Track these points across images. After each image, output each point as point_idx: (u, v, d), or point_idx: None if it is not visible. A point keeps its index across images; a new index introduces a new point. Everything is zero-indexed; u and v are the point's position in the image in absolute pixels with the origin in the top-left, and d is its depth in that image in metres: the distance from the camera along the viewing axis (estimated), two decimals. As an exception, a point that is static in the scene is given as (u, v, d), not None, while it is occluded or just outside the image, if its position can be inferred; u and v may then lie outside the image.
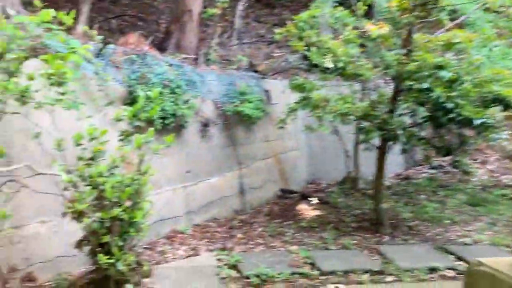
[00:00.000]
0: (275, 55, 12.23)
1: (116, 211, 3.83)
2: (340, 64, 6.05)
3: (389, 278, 4.94)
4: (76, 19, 6.21)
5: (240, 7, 11.79)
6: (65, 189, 3.81)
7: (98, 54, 5.82)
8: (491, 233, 6.44)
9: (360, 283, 4.79)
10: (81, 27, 7.37)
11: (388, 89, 8.56)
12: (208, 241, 6.03)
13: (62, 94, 3.48)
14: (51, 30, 4.18)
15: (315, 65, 11.46)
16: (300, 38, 6.07)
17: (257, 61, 10.96)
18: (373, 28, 5.86)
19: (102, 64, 5.75)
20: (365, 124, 6.14)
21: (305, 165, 10.54)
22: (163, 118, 6.13)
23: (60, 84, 3.60)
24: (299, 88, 6.11)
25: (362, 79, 6.34)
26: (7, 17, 4.55)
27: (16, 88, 3.17)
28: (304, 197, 8.85)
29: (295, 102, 6.95)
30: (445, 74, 5.50)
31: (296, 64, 11.40)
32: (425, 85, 5.50)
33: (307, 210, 7.86)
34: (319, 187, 10.19)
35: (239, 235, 6.34)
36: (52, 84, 3.58)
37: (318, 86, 6.53)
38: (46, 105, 3.70)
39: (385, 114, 5.78)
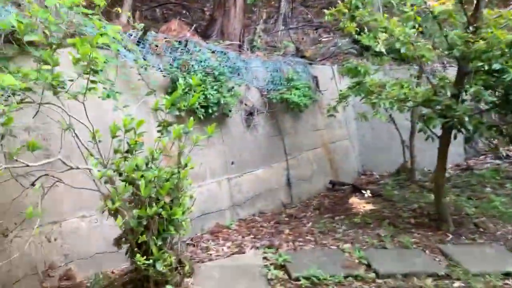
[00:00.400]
0: (323, 40, 11.67)
1: (154, 208, 3.54)
2: (397, 46, 5.46)
3: (457, 284, 4.39)
4: (119, 8, 6.03)
5: (286, -10, 11.25)
6: (102, 184, 3.57)
7: (139, 41, 5.56)
8: None
9: (423, 288, 4.28)
10: (125, 15, 7.19)
11: (448, 73, 7.88)
12: (253, 237, 5.68)
13: (94, 82, 3.19)
14: (87, 16, 3.94)
15: (366, 49, 10.95)
16: (352, 18, 5.51)
17: (304, 46, 10.45)
18: (435, 4, 5.24)
19: (142, 52, 5.50)
20: (426, 111, 5.54)
21: (356, 155, 9.98)
22: (206, 107, 5.82)
23: (94, 72, 3.33)
24: (352, 72, 5.58)
25: (420, 62, 5.72)
26: None
27: (46, 77, 2.91)
28: (356, 189, 8.33)
29: (347, 88, 6.43)
30: (521, 53, 4.83)
31: (346, 49, 10.86)
32: (496, 66, 4.85)
33: (360, 204, 7.35)
34: (371, 178, 9.61)
35: (287, 231, 5.95)
36: (86, 73, 3.31)
37: (373, 70, 5.97)
38: (79, 95, 3.44)
39: (449, 99, 5.17)
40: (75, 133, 3.57)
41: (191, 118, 3.92)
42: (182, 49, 5.95)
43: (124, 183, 3.45)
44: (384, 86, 5.71)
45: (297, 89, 7.53)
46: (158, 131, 3.89)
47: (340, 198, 7.84)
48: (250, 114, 6.95)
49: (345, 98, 6.30)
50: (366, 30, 10.94)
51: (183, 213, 3.81)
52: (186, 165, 3.83)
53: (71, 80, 3.48)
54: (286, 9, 11.61)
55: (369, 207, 7.16)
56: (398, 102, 5.37)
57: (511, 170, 9.09)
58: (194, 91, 4.08)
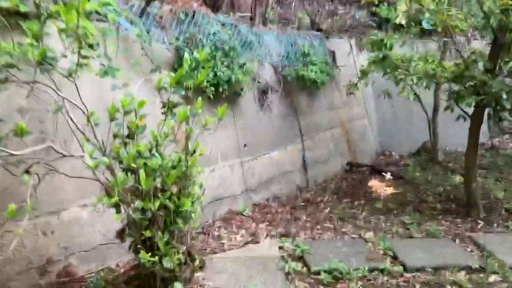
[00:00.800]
0: (339, 12, 11.04)
1: (160, 199, 3.15)
2: (426, 15, 4.93)
3: (492, 278, 3.99)
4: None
5: (300, -40, 10.57)
6: (101, 172, 3.19)
7: (142, 13, 5.10)
8: None
9: (456, 284, 3.87)
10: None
11: (472, 46, 7.30)
12: (268, 224, 5.30)
13: (85, 57, 2.77)
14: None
15: (385, 22, 10.33)
16: None
17: (320, 19, 9.87)
18: (471, -33, 4.69)
19: (145, 24, 5.05)
20: (456, 87, 5.03)
21: (375, 135, 9.51)
22: (216, 85, 5.38)
23: (88, 46, 2.90)
24: (377, 45, 5.07)
25: (451, 33, 5.19)
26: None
27: (26, 52, 2.49)
28: (375, 171, 7.90)
29: (369, 63, 5.93)
30: None
31: (364, 21, 10.26)
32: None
33: (380, 187, 6.92)
34: (390, 159, 9.16)
35: (304, 218, 5.56)
36: (78, 47, 2.89)
37: (400, 43, 5.44)
38: (73, 73, 3.03)
39: (483, 74, 4.66)
40: (69, 116, 3.18)
41: (200, 98, 3.49)
42: (189, 22, 5.48)
43: (124, 172, 3.06)
44: (410, 60, 5.20)
45: (313, 64, 7.04)
46: (163, 113, 3.47)
47: (359, 181, 7.41)
48: (264, 92, 6.50)
49: (366, 74, 5.80)
50: (385, 2, 10.35)
51: (193, 203, 3.42)
52: (194, 151, 3.43)
53: (65, 56, 3.06)
54: (300, -20, 10.97)
55: (390, 190, 6.73)
56: (426, 78, 4.87)
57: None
58: (202, 68, 3.63)
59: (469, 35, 9.75)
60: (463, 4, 5.25)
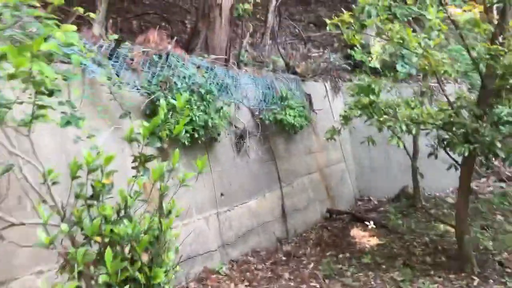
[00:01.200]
0: (313, 55, 10.98)
1: (129, 270, 2.65)
2: (414, 59, 4.73)
3: None
4: (92, 19, 5.20)
5: (273, 3, 10.53)
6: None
7: (111, 54, 4.71)
8: None
9: None
10: (97, 26, 6.36)
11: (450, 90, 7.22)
12: (248, 285, 4.81)
13: (42, 107, 2.32)
14: (41, 19, 3.06)
15: (359, 65, 10.30)
16: (362, 26, 4.71)
17: (294, 62, 9.73)
18: (458, 12, 4.55)
19: (115, 67, 4.65)
20: (445, 134, 4.80)
21: (353, 180, 9.23)
22: (191, 130, 4.98)
23: (47, 93, 2.46)
24: (365, 91, 4.81)
25: (438, 78, 5.02)
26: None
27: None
28: (356, 219, 7.55)
29: (350, 108, 5.67)
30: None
31: (339, 65, 10.18)
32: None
33: (364, 237, 6.55)
34: (369, 205, 8.86)
35: (287, 275, 5.10)
36: (40, 93, 2.45)
37: (388, 87, 5.20)
38: (28, 125, 2.56)
39: (474, 121, 4.45)
40: (22, 173, 2.68)
41: (177, 150, 3.06)
42: (162, 64, 5.12)
43: (86, 241, 2.56)
44: (395, 106, 4.97)
45: (291, 108, 6.76)
46: (133, 168, 3.02)
47: (340, 230, 7.03)
48: (241, 137, 6.13)
49: (348, 120, 5.53)
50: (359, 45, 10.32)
51: (167, 273, 2.93)
52: (170, 212, 2.97)
53: (21, 103, 2.61)
54: (274, 23, 10.89)
55: (375, 241, 6.36)
56: (415, 125, 4.61)
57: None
58: (180, 115, 3.24)
59: (443, 79, 9.79)
60: (449, 49, 5.09)
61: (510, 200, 8.14)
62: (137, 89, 4.74)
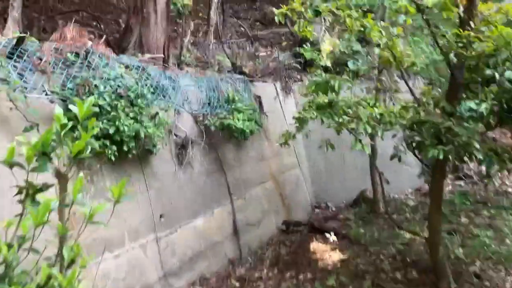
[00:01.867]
0: (260, 54, 10.32)
1: None
2: (376, 51, 4.12)
3: None
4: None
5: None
6: None
7: (11, 53, 3.79)
8: None
9: None
10: (11, 25, 5.40)
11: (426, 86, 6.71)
12: (196, 325, 4.01)
13: None
14: None
15: (309, 64, 9.75)
16: (316, 13, 4.03)
17: (241, 62, 9.03)
18: (422, -5, 3.98)
19: (17, 69, 3.73)
20: (414, 135, 4.20)
21: (309, 185, 8.62)
22: (118, 142, 4.14)
23: None
24: (322, 89, 4.11)
25: (402, 71, 4.44)
26: None
27: None
28: (315, 230, 6.92)
29: (305, 109, 5.01)
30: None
31: (288, 64, 9.58)
32: (509, 75, 3.64)
33: (325, 251, 5.92)
34: (327, 212, 8.26)
35: (242, 308, 4.34)
36: None
37: (349, 85, 4.54)
38: None
39: (447, 120, 3.89)
40: None
41: (80, 174, 2.23)
42: (80, 64, 4.24)
43: None
44: (356, 106, 4.34)
45: (240, 112, 6.03)
46: (20, 202, 2.16)
47: (299, 244, 6.36)
48: (183, 147, 5.33)
49: (304, 123, 4.86)
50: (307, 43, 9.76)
51: None
52: (72, 262, 2.14)
53: None
54: (217, 21, 10.15)
55: (337, 255, 5.74)
56: (380, 126, 4.00)
57: (479, 193, 8.13)
58: (85, 127, 2.40)
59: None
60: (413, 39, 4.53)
61: (471, 199, 7.80)
62: (46, 95, 3.83)
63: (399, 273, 4.89)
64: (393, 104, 6.54)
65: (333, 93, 3.81)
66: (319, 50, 9.51)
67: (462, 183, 9.03)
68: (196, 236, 5.28)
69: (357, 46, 9.15)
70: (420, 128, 4.05)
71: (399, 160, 5.28)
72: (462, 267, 4.94)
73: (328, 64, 9.32)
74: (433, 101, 4.43)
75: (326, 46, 9.90)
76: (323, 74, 3.81)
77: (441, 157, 3.76)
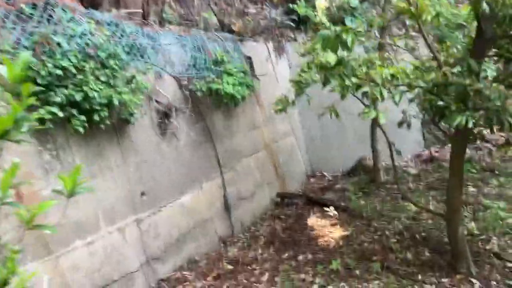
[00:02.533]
0: (250, 11, 9.52)
1: None
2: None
3: None
4: None
5: (201, -50, 8.87)
6: None
7: None
8: None
9: None
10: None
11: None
12: (184, 319, 3.50)
13: None
14: None
15: (303, 22, 9.02)
16: None
17: (230, 19, 8.26)
18: None
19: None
20: (436, 100, 3.60)
21: (303, 154, 8.08)
22: (88, 111, 3.49)
23: None
24: (331, 44, 3.41)
25: (418, 24, 3.78)
26: None
27: None
28: (312, 202, 6.42)
29: (303, 71, 4.37)
30: None
31: (281, 21, 8.83)
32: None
33: (325, 227, 5.43)
34: (323, 182, 7.77)
35: (236, 297, 3.84)
36: None
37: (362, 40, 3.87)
38: None
39: (475, 81, 3.29)
40: None
41: (15, 159, 1.60)
42: (40, 17, 3.52)
43: None
44: (369, 65, 3.71)
45: (230, 75, 5.37)
46: None
47: (296, 219, 5.86)
48: (166, 115, 4.68)
49: (305, 86, 4.22)
50: (302, -2, 8.97)
51: None
52: (5, 284, 1.56)
53: None
54: (202, -26, 9.26)
55: (339, 232, 5.25)
56: (398, 89, 3.39)
57: (484, 160, 7.65)
58: (15, 94, 1.76)
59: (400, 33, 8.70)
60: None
61: (476, 166, 7.32)
62: (-6, 55, 3.14)
63: (410, 253, 4.40)
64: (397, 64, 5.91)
65: (346, 49, 3.17)
66: (314, 7, 8.81)
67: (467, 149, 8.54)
68: (183, 214, 4.72)
69: (354, 2, 8.42)
70: (444, 91, 3.45)
71: (409, 126, 4.73)
72: (478, 245, 4.47)
73: (324, 21, 8.63)
74: (454, 60, 3.82)
75: (321, 1, 9.19)
76: (332, 27, 3.18)
77: (470, 125, 3.18)
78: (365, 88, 3.25)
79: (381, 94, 3.25)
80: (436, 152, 8.66)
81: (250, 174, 6.13)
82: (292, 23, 8.68)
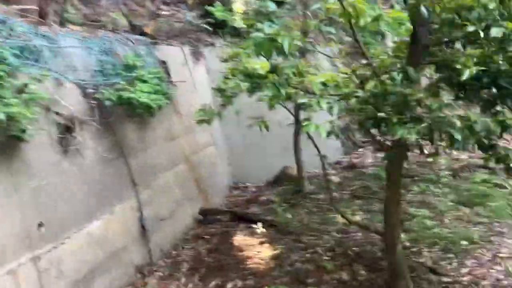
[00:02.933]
0: (163, 13, 8.91)
1: None
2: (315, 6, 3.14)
3: None
4: None
5: None
6: None
7: None
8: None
9: None
10: None
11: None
12: None
13: None
14: None
15: (220, 26, 8.61)
16: None
17: (141, 21, 7.61)
18: None
19: None
20: (378, 112, 3.33)
21: (225, 165, 7.64)
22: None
23: None
24: (265, 48, 2.93)
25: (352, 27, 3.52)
26: None
27: None
28: (237, 217, 6.02)
29: (227, 78, 3.94)
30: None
31: (197, 25, 8.35)
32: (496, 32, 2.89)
33: (253, 247, 5.04)
34: (247, 193, 7.40)
35: None
36: None
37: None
38: None
39: (418, 91, 3.08)
40: None
41: None
42: None
43: None
44: (302, 74, 3.37)
45: (143, 82, 4.77)
46: None
47: (221, 239, 5.40)
48: (68, 130, 3.99)
49: (231, 96, 3.80)
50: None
51: None
52: None
53: None
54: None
55: (268, 252, 4.89)
56: (337, 102, 3.08)
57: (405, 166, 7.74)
58: None
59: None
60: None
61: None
62: None
63: (345, 273, 4.14)
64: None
65: (282, 55, 2.78)
66: (231, 10, 8.45)
67: (381, 154, 8.65)
68: (92, 244, 4.05)
69: (272, 5, 8.19)
70: (383, 101, 3.20)
71: (337, 137, 4.49)
72: (411, 258, 4.34)
73: (243, 25, 8.28)
74: (389, 68, 3.61)
75: (238, 5, 8.85)
76: (266, 29, 2.78)
77: (413, 137, 2.95)
78: (302, 99, 2.89)
79: (319, 104, 2.91)
80: (355, 158, 8.69)
81: (169, 190, 5.57)
82: (209, 27, 8.22)
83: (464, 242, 4.70)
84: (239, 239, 5.28)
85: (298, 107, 6.38)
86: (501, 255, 4.40)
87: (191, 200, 6.04)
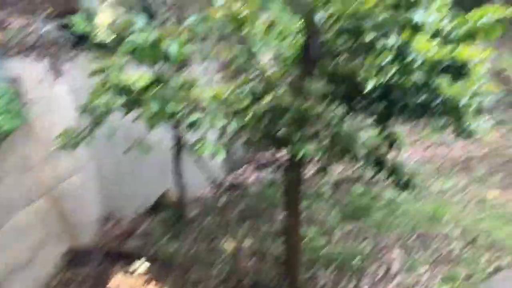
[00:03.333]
0: (13, 24, 7.74)
1: None
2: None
3: None
4: None
5: None
6: None
7: None
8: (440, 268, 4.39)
9: None
10: None
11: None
12: None
13: None
14: None
15: (82, 39, 7.73)
16: None
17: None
18: None
19: None
20: (278, 129, 3.00)
21: (96, 194, 6.74)
22: None
23: None
24: (148, 54, 2.35)
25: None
26: None
27: None
28: (112, 254, 5.27)
29: (96, 93, 3.32)
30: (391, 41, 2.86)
31: (56, 38, 7.38)
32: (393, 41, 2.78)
33: (136, 288, 4.36)
34: (123, 225, 6.60)
35: None
36: None
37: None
38: None
39: (318, 104, 2.83)
40: None
41: None
42: None
43: None
44: (191, 87, 2.92)
45: (-13, 101, 3.87)
46: None
47: (94, 283, 4.63)
48: None
49: (104, 114, 3.18)
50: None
51: None
52: None
53: None
54: None
55: (154, 292, 4.26)
56: (237, 118, 2.69)
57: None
58: None
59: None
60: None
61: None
62: None
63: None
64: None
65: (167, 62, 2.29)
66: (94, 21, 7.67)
67: (262, 173, 8.52)
68: None
69: (140, 22, 7.62)
70: (280, 116, 2.89)
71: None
72: (313, 281, 4.11)
73: (107, 40, 7.51)
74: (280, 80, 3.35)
75: (103, 17, 8.05)
76: (147, 33, 2.28)
77: (318, 156, 2.68)
78: (194, 116, 2.43)
79: (212, 124, 2.48)
80: (237, 177, 8.44)
81: (26, 232, 4.62)
82: (70, 40, 7.31)
83: (357, 259, 4.63)
84: (118, 280, 4.55)
85: (178, 124, 5.89)
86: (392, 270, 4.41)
87: (57, 240, 5.12)
